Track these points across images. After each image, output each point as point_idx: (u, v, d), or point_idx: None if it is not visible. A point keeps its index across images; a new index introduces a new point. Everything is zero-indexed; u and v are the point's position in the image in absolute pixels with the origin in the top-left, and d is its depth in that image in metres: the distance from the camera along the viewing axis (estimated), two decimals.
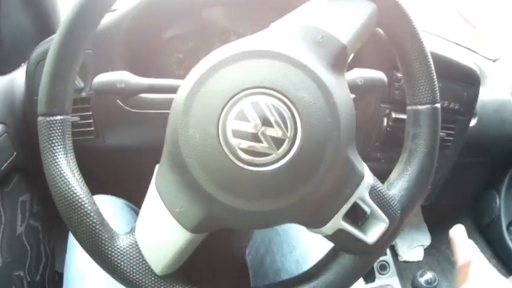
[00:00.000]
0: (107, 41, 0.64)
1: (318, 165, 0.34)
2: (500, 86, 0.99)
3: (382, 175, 0.41)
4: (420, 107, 0.42)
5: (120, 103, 0.65)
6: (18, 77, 0.77)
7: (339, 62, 0.37)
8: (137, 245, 0.38)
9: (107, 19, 0.64)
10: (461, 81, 0.74)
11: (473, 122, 0.87)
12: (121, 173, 0.82)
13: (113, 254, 0.37)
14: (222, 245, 0.90)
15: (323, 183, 0.35)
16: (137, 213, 0.71)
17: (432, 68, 0.42)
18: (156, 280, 0.38)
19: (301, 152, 0.33)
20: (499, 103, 0.95)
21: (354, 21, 0.38)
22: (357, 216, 0.38)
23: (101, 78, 0.50)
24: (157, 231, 0.37)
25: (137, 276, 0.37)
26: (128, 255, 0.37)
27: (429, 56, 0.42)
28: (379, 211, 0.38)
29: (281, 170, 0.33)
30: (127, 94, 0.50)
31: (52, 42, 0.37)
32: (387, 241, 0.40)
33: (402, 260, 1.23)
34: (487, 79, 0.99)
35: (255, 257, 0.65)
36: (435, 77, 0.42)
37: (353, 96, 0.50)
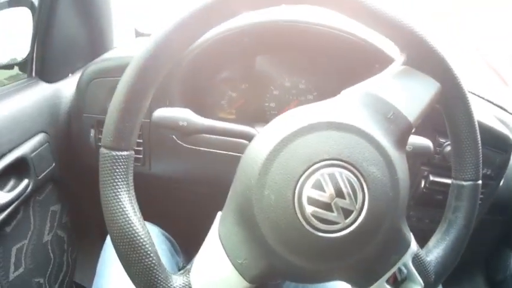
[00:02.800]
0: (168, 76, 0.65)
1: (376, 234, 0.37)
2: None
3: (412, 232, 0.43)
4: (464, 183, 0.45)
5: (175, 138, 0.66)
6: (64, 87, 0.79)
7: (404, 138, 0.40)
8: (190, 287, 0.39)
9: None
10: (495, 148, 0.75)
11: None
12: (160, 200, 0.82)
13: None
14: None
15: (377, 250, 0.37)
16: (171, 242, 0.71)
17: (480, 147, 0.45)
18: None
19: (365, 223, 0.36)
20: None
21: (421, 100, 0.41)
22: (396, 278, 0.41)
23: (163, 113, 0.50)
24: (214, 277, 0.38)
25: None
26: None
27: (479, 137, 0.44)
28: (417, 275, 0.41)
29: (345, 238, 0.35)
30: (187, 132, 0.50)
31: (123, 76, 0.37)
32: None
33: None
34: None
35: None
36: (481, 155, 0.45)
37: None
